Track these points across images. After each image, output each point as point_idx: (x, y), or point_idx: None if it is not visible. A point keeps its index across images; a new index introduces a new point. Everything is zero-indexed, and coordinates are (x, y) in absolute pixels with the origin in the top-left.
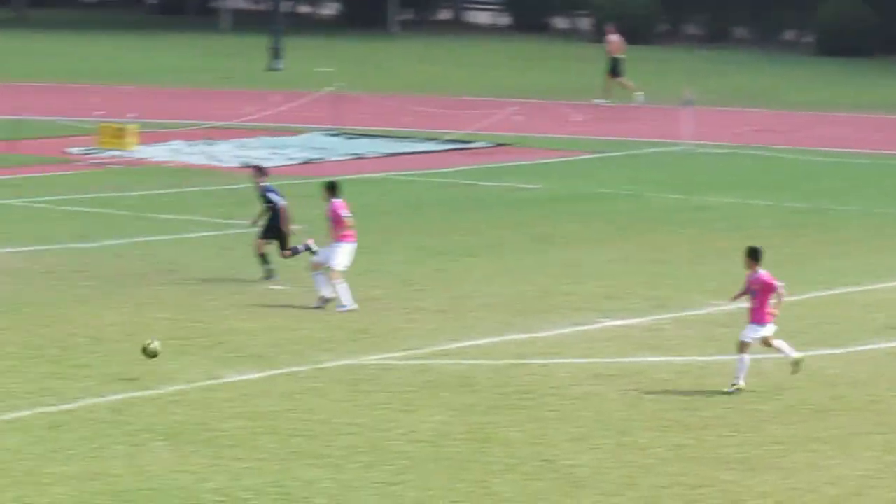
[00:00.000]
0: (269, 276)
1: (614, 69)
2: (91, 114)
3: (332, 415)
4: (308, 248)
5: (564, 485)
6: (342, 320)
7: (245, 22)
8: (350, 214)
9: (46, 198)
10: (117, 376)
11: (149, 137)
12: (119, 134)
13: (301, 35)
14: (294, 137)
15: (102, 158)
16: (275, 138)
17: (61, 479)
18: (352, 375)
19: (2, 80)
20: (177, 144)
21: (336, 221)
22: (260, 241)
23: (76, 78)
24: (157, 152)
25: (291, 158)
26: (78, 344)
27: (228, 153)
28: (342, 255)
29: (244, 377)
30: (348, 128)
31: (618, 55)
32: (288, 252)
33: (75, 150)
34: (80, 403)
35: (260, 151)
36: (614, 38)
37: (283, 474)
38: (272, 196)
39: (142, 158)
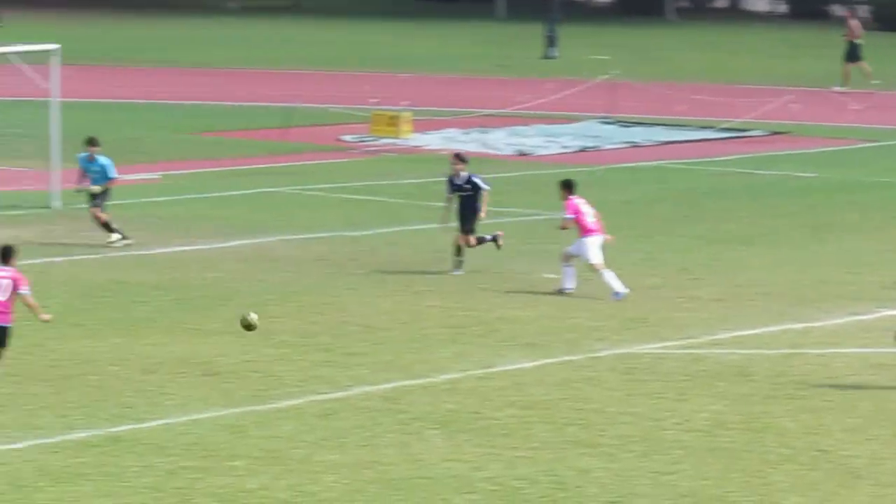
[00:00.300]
0: (457, 267)
1: (852, 54)
2: (366, 101)
3: (606, 404)
4: (495, 240)
5: (840, 476)
6: (615, 309)
7: (520, 9)
8: (591, 210)
9: (319, 185)
10: (389, 364)
11: (423, 125)
12: (393, 122)
13: (576, 23)
14: (568, 126)
15: (376, 146)
16: (549, 126)
17: (333, 466)
18: (625, 364)
19: (276, 67)
20: (451, 132)
21: (577, 219)
22: (460, 235)
23: (349, 65)
24: (431, 140)
25: (566, 147)
26: (350, 332)
27: (502, 141)
28: (593, 250)
29: (517, 366)
30: (623, 116)
31: (856, 40)
32: (474, 240)
33: (349, 137)
34: (353, 391)
35: (534, 139)
36: (854, 22)
37: (557, 463)
38: (478, 182)
39: (416, 146)
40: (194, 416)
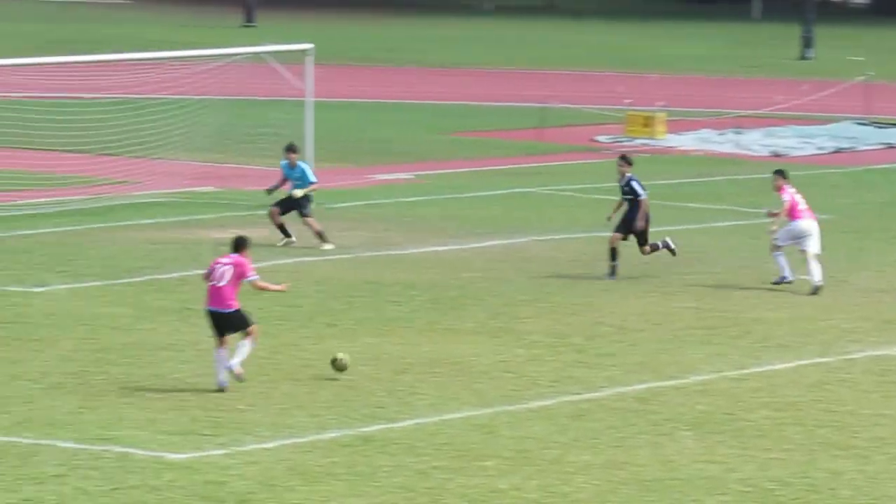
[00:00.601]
0: (612, 272)
1: None
2: (620, 102)
3: (860, 406)
4: (667, 246)
5: None
6: (870, 311)
7: (776, 10)
8: (802, 198)
9: (573, 186)
10: (642, 365)
11: (677, 126)
12: (647, 122)
13: (832, 24)
14: (824, 127)
15: (630, 146)
16: (804, 127)
17: (585, 467)
18: (881, 366)
19: (530, 67)
20: (705, 133)
21: (791, 206)
22: (615, 234)
23: (603, 66)
24: (685, 141)
25: (821, 148)
26: (603, 333)
27: (757, 142)
28: (811, 238)
29: (771, 367)
30: (879, 117)
31: None
32: (648, 248)
33: (603, 138)
34: (605, 392)
35: (789, 140)
36: None
37: (809, 465)
38: (635, 186)
39: (670, 147)
40: (446, 416)
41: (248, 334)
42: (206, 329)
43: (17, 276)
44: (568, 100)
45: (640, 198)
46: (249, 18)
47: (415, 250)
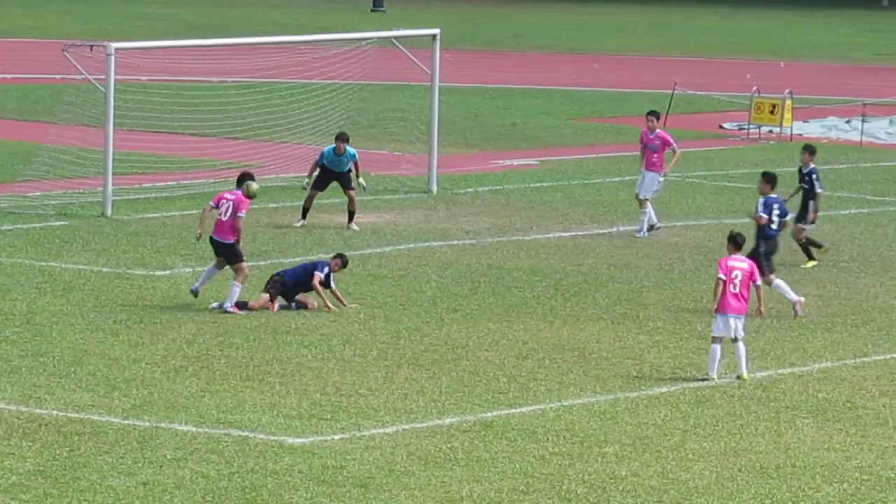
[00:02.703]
0: (810, 257)
1: None
2: (747, 89)
3: None
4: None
5: None
6: None
7: None
8: None
9: (699, 172)
10: (764, 352)
11: (804, 113)
12: (774, 109)
13: None
14: None
15: (757, 133)
16: None
17: (704, 454)
18: None
19: (658, 53)
20: (831, 121)
21: None
22: (798, 226)
23: (731, 53)
24: (812, 128)
25: None
26: None
27: (884, 130)
28: None
29: (892, 355)
30: None
31: None
32: (804, 238)
33: (729, 125)
34: (726, 379)
35: None
36: None
37: None
38: (815, 180)
39: (796, 134)
40: (566, 403)
41: (237, 271)
42: (328, 314)
43: (140, 259)
44: (695, 86)
45: (817, 191)
46: (378, 3)
47: (538, 236)
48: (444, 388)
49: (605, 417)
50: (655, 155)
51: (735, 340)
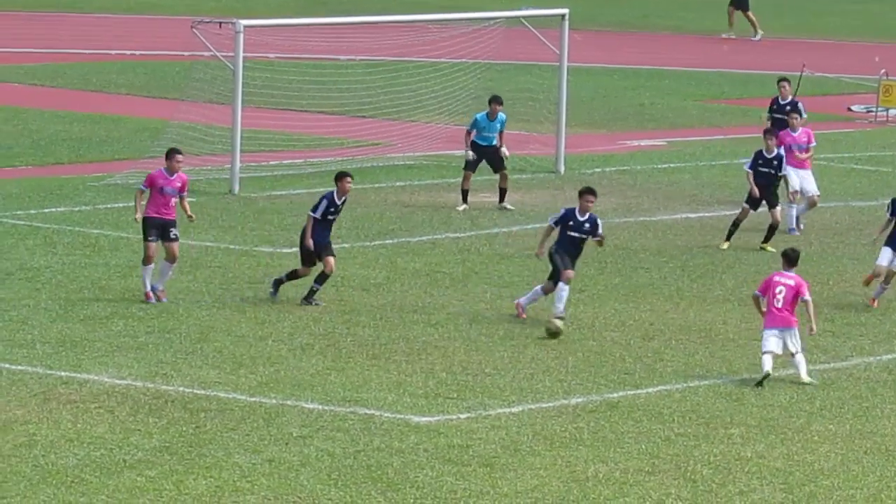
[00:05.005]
0: None
1: None
2: (876, 71)
3: None
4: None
5: None
6: None
7: None
8: None
9: (826, 154)
10: (890, 335)
11: None
12: None
13: None
14: None
15: (885, 116)
16: None
17: (830, 437)
18: None
19: (785, 35)
20: None
21: None
22: None
23: (858, 35)
24: None
25: None
26: (852, 302)
27: None
28: None
29: None
30: None
31: None
32: None
33: (857, 107)
34: (852, 361)
35: None
36: None
37: None
38: None
39: None
40: (692, 384)
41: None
42: (453, 294)
43: (267, 236)
44: (824, 68)
45: None
46: None
47: (665, 217)
48: (571, 368)
49: (731, 399)
50: (805, 153)
51: (792, 355)
